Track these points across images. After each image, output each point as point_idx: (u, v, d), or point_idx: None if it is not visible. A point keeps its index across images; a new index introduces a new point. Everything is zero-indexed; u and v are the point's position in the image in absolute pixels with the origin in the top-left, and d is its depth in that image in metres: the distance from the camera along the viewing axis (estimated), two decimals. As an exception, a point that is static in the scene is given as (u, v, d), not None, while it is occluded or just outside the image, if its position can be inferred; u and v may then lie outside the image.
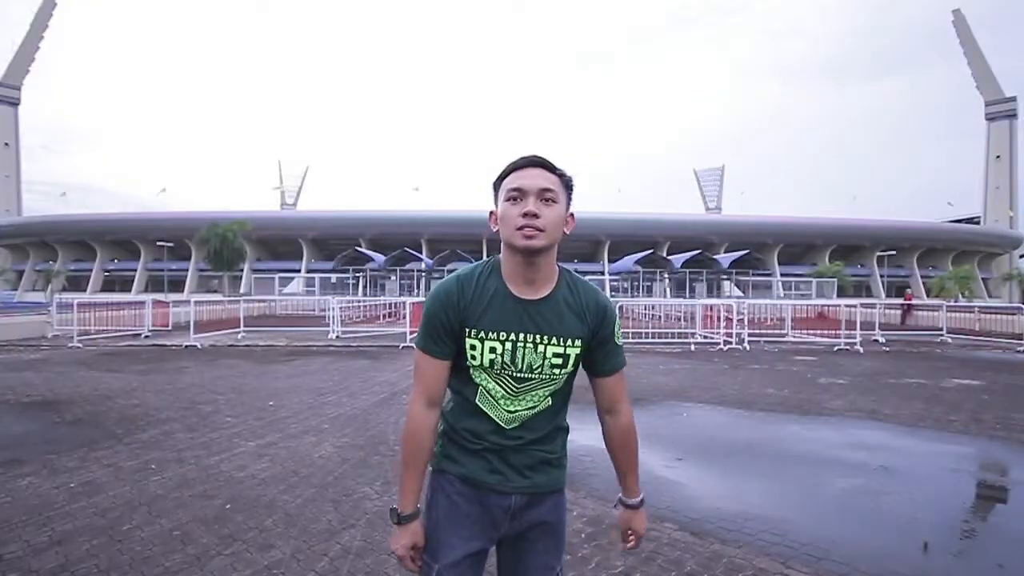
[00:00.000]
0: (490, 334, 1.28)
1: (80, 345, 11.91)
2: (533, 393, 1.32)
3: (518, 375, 1.30)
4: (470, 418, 1.35)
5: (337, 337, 13.38)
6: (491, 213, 1.34)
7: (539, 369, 1.30)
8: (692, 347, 12.44)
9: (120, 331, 13.92)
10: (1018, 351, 12.37)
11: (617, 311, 1.40)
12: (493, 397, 1.32)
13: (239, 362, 9.72)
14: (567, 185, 1.31)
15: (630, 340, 12.67)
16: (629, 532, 1.46)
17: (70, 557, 2.76)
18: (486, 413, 1.33)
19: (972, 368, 9.71)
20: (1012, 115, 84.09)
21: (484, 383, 1.32)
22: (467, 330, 1.29)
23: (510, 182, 1.27)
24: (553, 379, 1.32)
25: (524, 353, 1.28)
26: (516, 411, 1.32)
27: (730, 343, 12.49)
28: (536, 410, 1.34)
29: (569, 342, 1.30)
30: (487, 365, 1.29)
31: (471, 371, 1.32)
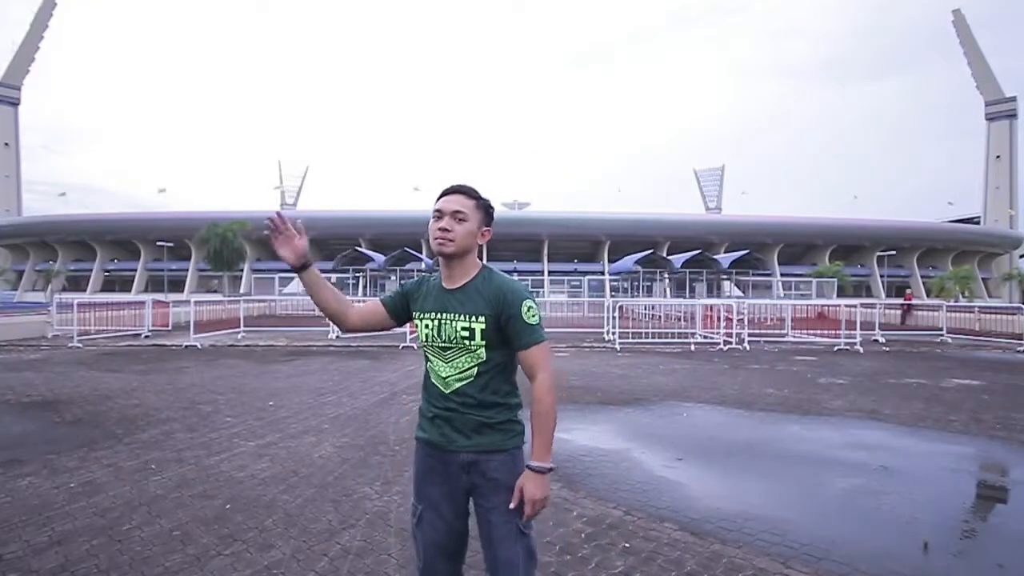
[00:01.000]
0: (424, 315, 1.75)
1: (80, 345, 11.91)
2: (456, 361, 1.70)
3: (443, 345, 1.70)
4: (425, 390, 1.78)
5: (337, 337, 13.38)
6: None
7: (455, 340, 1.68)
8: (692, 347, 12.43)
9: (120, 331, 13.93)
10: (1018, 351, 12.37)
11: (528, 298, 1.69)
12: (433, 367, 1.74)
13: (239, 362, 9.72)
14: (483, 208, 1.75)
15: (630, 340, 12.68)
16: (520, 497, 1.63)
17: (70, 557, 2.76)
18: (432, 383, 1.74)
19: (972, 368, 9.71)
20: (1012, 115, 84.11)
21: (428, 355, 1.76)
22: (414, 313, 1.78)
23: (435, 204, 1.73)
24: (467, 349, 1.68)
25: (444, 327, 1.70)
26: (448, 377, 1.70)
27: (730, 343, 12.49)
28: (465, 379, 1.69)
29: (474, 318, 1.67)
30: (424, 340, 1.75)
31: (423, 349, 1.78)
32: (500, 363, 1.69)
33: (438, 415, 1.71)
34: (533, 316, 1.67)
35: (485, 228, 1.75)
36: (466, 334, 1.67)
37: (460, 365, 1.69)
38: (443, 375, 1.70)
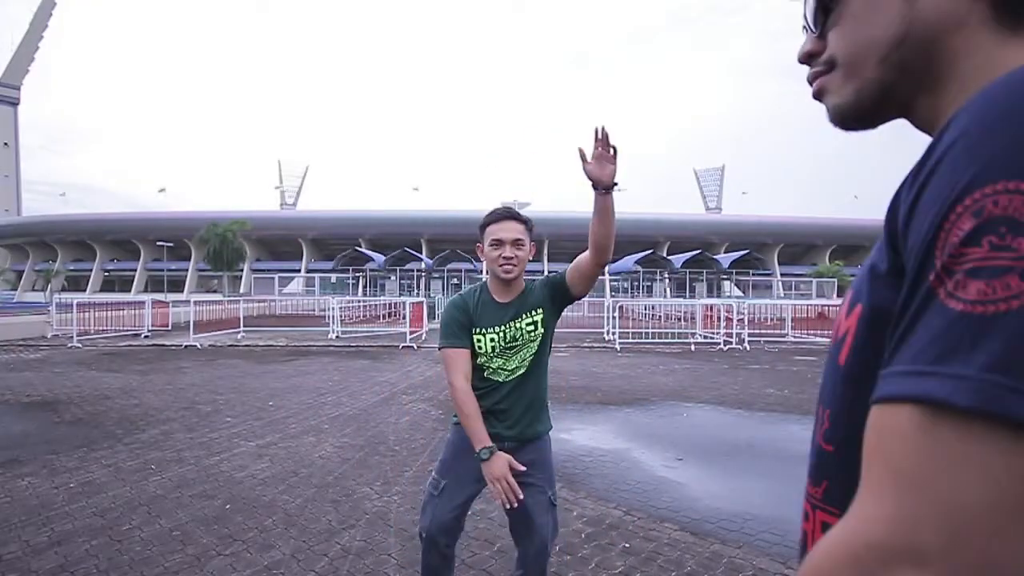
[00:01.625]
0: (488, 330, 1.93)
1: (80, 345, 11.91)
2: (519, 353, 1.95)
3: (511, 342, 1.95)
4: (488, 393, 1.95)
5: (337, 337, 13.38)
6: (477, 245, 2.00)
7: (522, 336, 1.94)
8: (692, 347, 12.43)
9: (120, 331, 13.93)
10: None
11: (557, 276, 1.96)
12: (503, 365, 1.96)
13: (239, 362, 9.71)
14: (529, 228, 1.96)
15: (630, 340, 12.68)
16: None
17: (70, 557, 2.76)
18: (500, 384, 1.95)
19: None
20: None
21: (489, 362, 1.96)
22: (475, 328, 1.95)
23: (492, 232, 1.91)
24: (533, 339, 1.95)
25: (511, 332, 1.94)
26: (517, 367, 1.95)
27: (730, 343, 12.49)
28: (520, 373, 1.94)
29: (535, 312, 1.95)
30: (490, 351, 1.94)
31: (483, 360, 1.96)
32: (545, 359, 2.02)
33: (504, 409, 1.96)
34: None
35: (534, 244, 2.00)
36: (532, 328, 1.95)
37: (529, 350, 1.97)
38: (511, 367, 1.96)
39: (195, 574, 2.63)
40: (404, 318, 12.79)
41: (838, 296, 33.30)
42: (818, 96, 0.53)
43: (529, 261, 1.98)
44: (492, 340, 1.93)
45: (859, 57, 0.48)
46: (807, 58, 0.53)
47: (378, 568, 2.70)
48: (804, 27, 0.53)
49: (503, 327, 1.93)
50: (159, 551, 2.84)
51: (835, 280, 38.01)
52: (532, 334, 1.95)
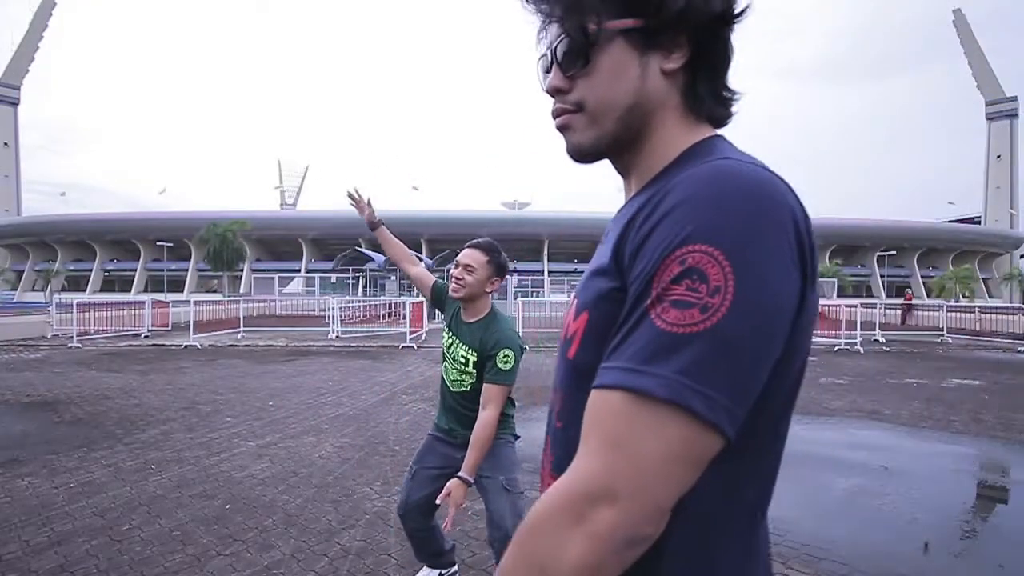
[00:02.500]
0: (447, 331, 2.26)
1: (80, 345, 11.90)
2: (457, 374, 2.20)
3: (451, 357, 2.22)
4: (442, 386, 2.31)
5: (337, 337, 13.38)
6: None
7: (457, 360, 2.19)
8: (692, 347, 12.42)
9: (120, 331, 13.92)
10: (1018, 351, 12.36)
11: (508, 348, 2.06)
12: (446, 369, 2.26)
13: (239, 362, 9.71)
14: (495, 263, 2.13)
15: (630, 340, 12.64)
16: (447, 495, 1.96)
17: (70, 557, 2.76)
18: (444, 380, 2.28)
19: (972, 368, 9.71)
20: (1013, 115, 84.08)
21: (444, 358, 2.28)
22: (444, 323, 2.31)
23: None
24: (464, 370, 2.16)
25: (454, 347, 2.21)
26: (452, 381, 2.22)
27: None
28: (461, 389, 2.20)
29: (469, 351, 2.15)
30: (444, 346, 2.26)
31: (443, 351, 2.27)
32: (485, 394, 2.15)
33: (448, 407, 2.27)
34: (506, 362, 2.07)
35: (495, 278, 2.15)
36: (463, 360, 2.16)
37: (459, 378, 2.20)
38: (450, 378, 2.23)
39: (195, 574, 2.63)
40: (404, 318, 12.79)
41: (838, 296, 33.28)
42: (561, 129, 0.66)
43: (487, 292, 2.18)
44: (445, 340, 2.26)
45: (603, 111, 0.62)
46: (554, 91, 0.65)
47: (378, 568, 2.70)
48: (550, 62, 0.65)
49: (453, 336, 2.22)
50: (159, 551, 2.84)
51: (835, 280, 37.96)
52: (463, 366, 2.16)
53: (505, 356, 2.06)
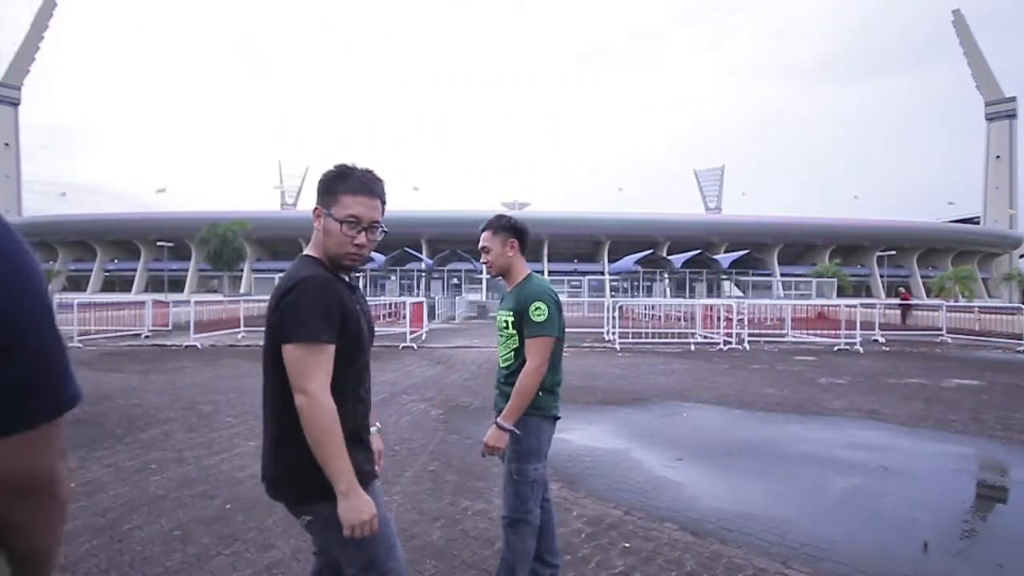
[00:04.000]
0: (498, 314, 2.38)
1: (80, 345, 11.91)
2: (504, 346, 2.30)
3: (499, 329, 2.34)
4: (497, 371, 2.41)
5: (337, 337, 13.35)
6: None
7: (501, 330, 2.30)
8: (692, 347, 12.43)
9: (120, 331, 13.92)
10: (1018, 351, 12.36)
11: (538, 299, 2.17)
12: (500, 351, 2.35)
13: (239, 362, 9.71)
14: (504, 229, 2.29)
15: (630, 340, 12.68)
16: (485, 443, 2.18)
17: (70, 557, 2.76)
18: (499, 367, 2.36)
19: (972, 368, 9.71)
20: (1012, 115, 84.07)
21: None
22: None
23: None
24: (508, 336, 2.26)
25: (499, 318, 2.32)
26: (501, 356, 2.33)
27: (730, 343, 12.49)
28: (507, 361, 2.28)
29: (508, 313, 2.26)
30: (497, 331, 2.38)
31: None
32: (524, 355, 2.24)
33: (499, 389, 2.34)
34: (538, 314, 2.15)
35: (511, 240, 2.30)
36: (504, 324, 2.27)
37: (506, 352, 2.29)
38: (501, 356, 2.33)
39: (195, 574, 2.64)
40: (404, 318, 12.79)
41: (838, 296, 33.28)
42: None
43: (511, 257, 2.32)
44: (497, 323, 2.36)
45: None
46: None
47: (378, 568, 2.70)
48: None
49: (498, 312, 2.35)
50: (160, 551, 2.84)
51: (835, 280, 37.95)
52: (506, 329, 2.26)
53: (536, 308, 2.14)
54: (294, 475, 1.50)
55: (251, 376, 8.20)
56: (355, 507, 1.43)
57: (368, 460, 1.65)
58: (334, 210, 1.51)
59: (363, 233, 1.53)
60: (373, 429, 1.80)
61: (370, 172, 1.58)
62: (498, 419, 2.14)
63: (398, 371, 8.75)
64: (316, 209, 1.55)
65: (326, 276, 1.49)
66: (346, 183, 1.52)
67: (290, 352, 1.40)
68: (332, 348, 1.44)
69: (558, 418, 2.31)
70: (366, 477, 1.56)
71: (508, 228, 2.29)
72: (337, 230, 1.50)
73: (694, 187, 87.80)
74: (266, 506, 3.41)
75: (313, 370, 1.39)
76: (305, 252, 1.60)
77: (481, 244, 2.31)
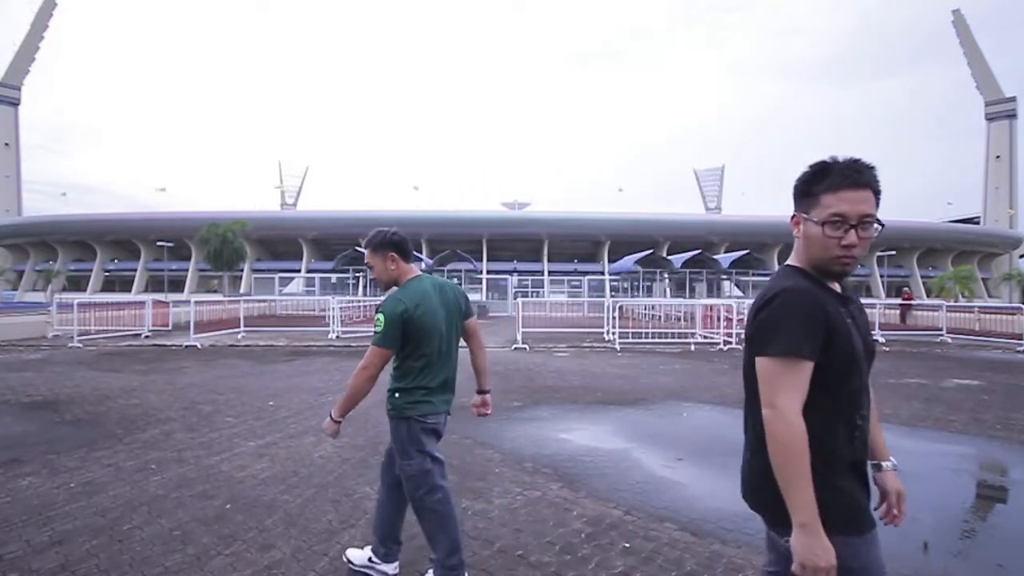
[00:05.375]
0: None
1: (80, 345, 11.91)
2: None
3: None
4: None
5: (337, 337, 13.38)
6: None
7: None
8: (692, 347, 12.43)
9: (120, 331, 13.92)
10: (1018, 351, 12.36)
11: (380, 313, 2.33)
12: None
13: (239, 362, 9.72)
14: (378, 245, 2.48)
15: (630, 340, 12.68)
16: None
17: (70, 557, 2.76)
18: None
19: (972, 368, 9.71)
20: (1012, 115, 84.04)
21: None
22: None
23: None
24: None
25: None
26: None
27: (730, 343, 12.49)
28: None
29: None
30: None
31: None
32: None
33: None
34: (376, 325, 2.33)
35: (388, 255, 2.44)
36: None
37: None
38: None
39: (195, 574, 2.64)
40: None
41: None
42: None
43: (394, 270, 2.51)
44: None
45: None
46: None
47: (378, 568, 2.70)
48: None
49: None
50: (159, 551, 2.84)
51: (835, 280, 37.80)
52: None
53: (377, 318, 2.32)
54: (773, 491, 1.39)
55: (251, 376, 8.20)
56: (810, 547, 1.27)
57: (864, 496, 1.43)
58: (814, 213, 1.36)
59: (852, 231, 1.33)
60: (887, 465, 1.61)
61: (856, 161, 1.35)
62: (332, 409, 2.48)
63: (398, 371, 8.73)
64: (793, 216, 1.43)
65: (808, 286, 1.37)
66: (824, 181, 1.35)
67: (762, 365, 1.37)
68: (810, 364, 1.32)
69: (425, 423, 2.45)
70: (860, 516, 1.37)
71: (385, 244, 2.43)
72: (819, 234, 1.35)
73: (694, 187, 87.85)
74: (266, 506, 3.41)
75: (784, 385, 1.31)
76: (787, 263, 1.50)
77: (365, 261, 2.51)
